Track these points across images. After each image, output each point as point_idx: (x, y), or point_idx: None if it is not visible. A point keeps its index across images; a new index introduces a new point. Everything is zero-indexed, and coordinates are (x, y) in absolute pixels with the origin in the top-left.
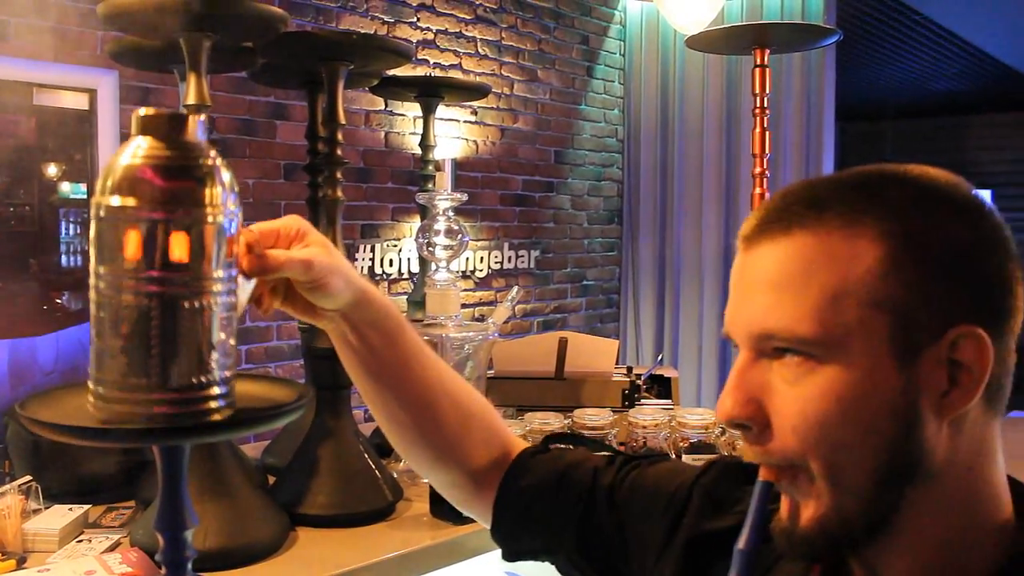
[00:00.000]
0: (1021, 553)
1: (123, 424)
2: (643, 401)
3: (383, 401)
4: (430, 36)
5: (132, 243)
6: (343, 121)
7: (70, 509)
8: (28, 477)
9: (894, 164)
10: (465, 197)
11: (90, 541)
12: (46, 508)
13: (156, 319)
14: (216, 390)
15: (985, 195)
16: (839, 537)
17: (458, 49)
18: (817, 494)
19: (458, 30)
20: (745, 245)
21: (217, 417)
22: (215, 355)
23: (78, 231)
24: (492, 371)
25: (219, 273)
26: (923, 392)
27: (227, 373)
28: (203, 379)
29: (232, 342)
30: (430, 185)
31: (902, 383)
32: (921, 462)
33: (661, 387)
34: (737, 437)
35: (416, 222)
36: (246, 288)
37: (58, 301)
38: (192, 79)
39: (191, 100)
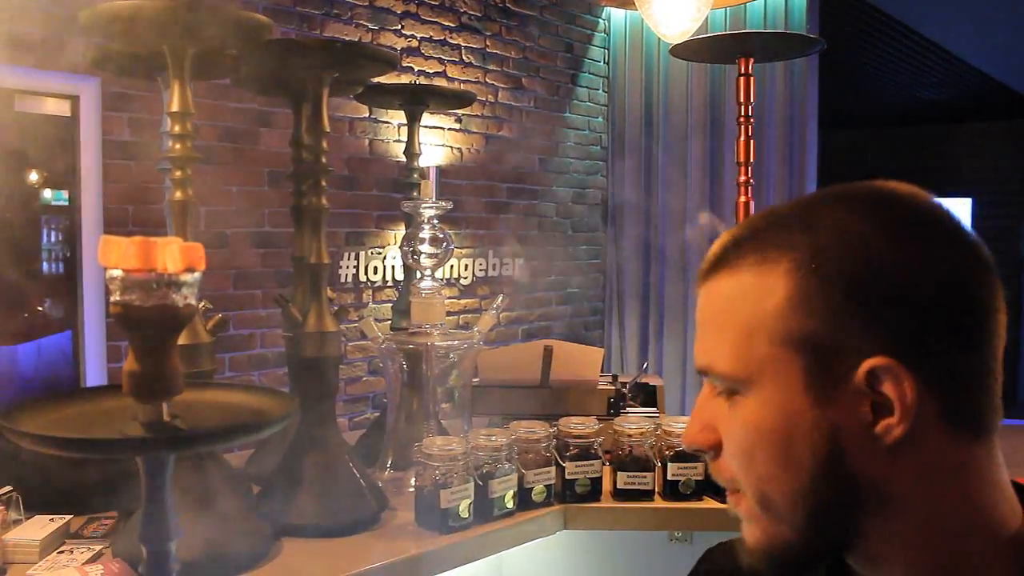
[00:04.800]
0: None
1: None
2: (628, 409)
3: None
4: (415, 44)
5: None
6: (327, 129)
7: (51, 520)
8: (8, 488)
9: (855, 183)
10: (451, 205)
11: (71, 552)
12: (27, 519)
13: None
14: None
15: (966, 204)
16: (787, 563)
17: (443, 57)
18: (754, 518)
19: (443, 38)
20: (699, 282)
21: None
22: None
23: (60, 238)
24: (477, 379)
25: None
26: (843, 426)
27: None
28: None
29: None
30: (415, 193)
31: (815, 416)
32: (865, 492)
33: (646, 395)
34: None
35: (400, 229)
36: None
37: (39, 308)
38: (176, 86)
39: (175, 108)
